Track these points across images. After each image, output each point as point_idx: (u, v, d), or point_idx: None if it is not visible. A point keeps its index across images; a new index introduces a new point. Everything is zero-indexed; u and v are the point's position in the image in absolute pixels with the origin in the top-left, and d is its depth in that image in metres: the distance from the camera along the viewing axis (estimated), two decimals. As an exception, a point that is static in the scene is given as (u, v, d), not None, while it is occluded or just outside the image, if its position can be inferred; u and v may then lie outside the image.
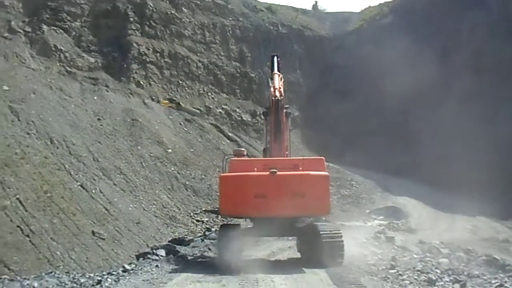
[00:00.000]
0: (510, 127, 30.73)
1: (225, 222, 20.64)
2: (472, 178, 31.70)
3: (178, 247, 16.05)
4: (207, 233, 20.89)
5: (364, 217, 30.77)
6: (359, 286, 9.17)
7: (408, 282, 9.48)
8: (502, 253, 16.18)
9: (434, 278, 9.60)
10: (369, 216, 31.23)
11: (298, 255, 14.31)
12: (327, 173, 12.66)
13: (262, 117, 19.12)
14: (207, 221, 27.28)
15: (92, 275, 12.44)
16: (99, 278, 11.25)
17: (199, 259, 14.32)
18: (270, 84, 15.79)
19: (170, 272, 11.56)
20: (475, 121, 35.66)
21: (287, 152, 14.74)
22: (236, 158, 13.93)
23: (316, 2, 64.48)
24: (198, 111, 41.42)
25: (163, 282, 10.09)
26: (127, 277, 11.08)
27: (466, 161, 34.15)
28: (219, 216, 26.51)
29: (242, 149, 19.46)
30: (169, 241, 19.72)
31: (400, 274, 10.30)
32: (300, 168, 12.65)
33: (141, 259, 14.81)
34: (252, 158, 19.69)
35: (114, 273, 12.24)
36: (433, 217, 30.39)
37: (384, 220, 29.65)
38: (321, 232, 11.97)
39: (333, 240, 11.79)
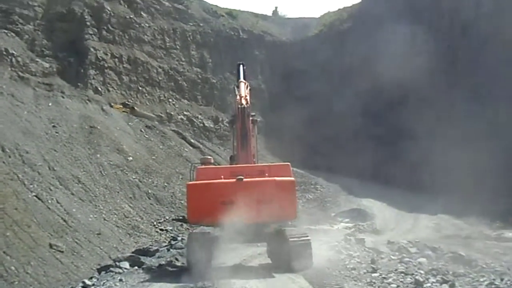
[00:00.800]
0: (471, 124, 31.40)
1: (191, 231, 20.15)
2: (433, 178, 32.57)
3: (143, 258, 15.45)
4: (172, 242, 20.23)
5: (330, 220, 30.89)
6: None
7: (395, 285, 9.15)
8: (466, 249, 16.54)
9: (421, 279, 9.37)
10: (335, 219, 31.39)
11: (269, 261, 14.07)
12: (293, 178, 12.89)
13: (228, 125, 18.99)
14: (171, 229, 26.51)
15: (49, 292, 11.53)
16: (56, 297, 10.41)
17: (166, 270, 13.70)
18: (236, 92, 15.76)
19: (135, 286, 10.86)
20: (433, 122, 36.65)
21: (254, 160, 14.76)
22: (203, 166, 13.88)
23: (276, 8, 65.11)
24: (154, 116, 40.40)
25: (129, 298, 9.40)
26: (89, 294, 10.31)
27: (426, 162, 35.04)
28: (184, 225, 25.88)
29: (209, 157, 19.24)
30: (132, 252, 19.02)
31: (385, 278, 10.01)
32: (266, 174, 12.88)
33: (103, 272, 14.13)
34: (219, 166, 19.45)
35: (73, 289, 11.43)
36: (397, 218, 30.93)
37: (350, 222, 29.89)
38: (288, 237, 12.07)
39: (301, 244, 11.87)
